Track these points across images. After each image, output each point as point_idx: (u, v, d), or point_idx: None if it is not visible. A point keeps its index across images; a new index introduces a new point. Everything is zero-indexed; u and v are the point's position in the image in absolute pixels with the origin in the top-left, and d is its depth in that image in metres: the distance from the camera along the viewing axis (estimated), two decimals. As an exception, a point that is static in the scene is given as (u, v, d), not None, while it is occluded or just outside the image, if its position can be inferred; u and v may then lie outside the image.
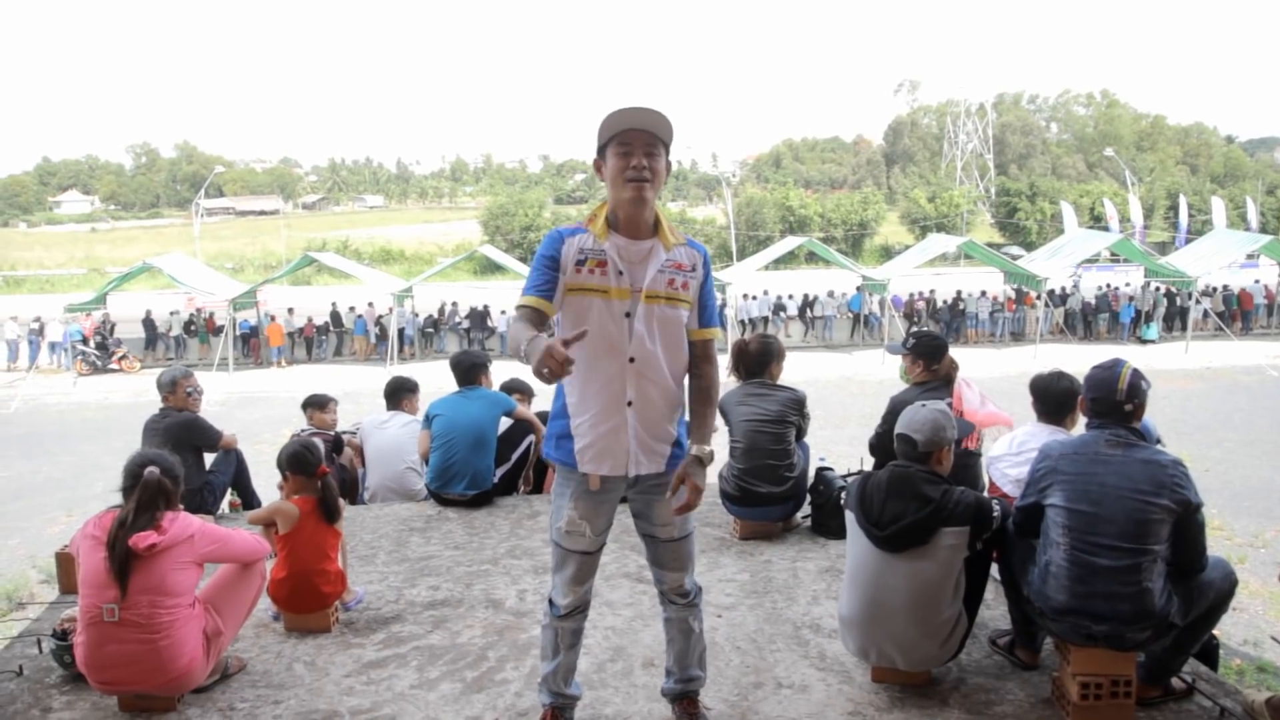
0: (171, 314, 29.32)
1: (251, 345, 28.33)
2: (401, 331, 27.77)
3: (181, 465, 3.60)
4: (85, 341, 26.89)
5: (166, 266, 26.68)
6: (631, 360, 2.88)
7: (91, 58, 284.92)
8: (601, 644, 3.96)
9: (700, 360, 3.06)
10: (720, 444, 5.59)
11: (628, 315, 2.88)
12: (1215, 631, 4.19)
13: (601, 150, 2.90)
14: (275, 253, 65.00)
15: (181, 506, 3.58)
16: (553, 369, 2.39)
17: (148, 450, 3.57)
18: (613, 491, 3.03)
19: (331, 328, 29.35)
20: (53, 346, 27.84)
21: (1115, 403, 3.27)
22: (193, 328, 29.09)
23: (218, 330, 27.63)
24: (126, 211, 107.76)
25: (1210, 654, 3.95)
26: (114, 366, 26.64)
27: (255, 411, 19.33)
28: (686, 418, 3.05)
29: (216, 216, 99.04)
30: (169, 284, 29.42)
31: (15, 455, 16.22)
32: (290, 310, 29.39)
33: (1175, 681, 3.42)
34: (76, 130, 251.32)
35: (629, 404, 2.90)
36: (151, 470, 3.39)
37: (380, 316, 28.54)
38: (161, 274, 27.59)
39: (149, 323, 28.61)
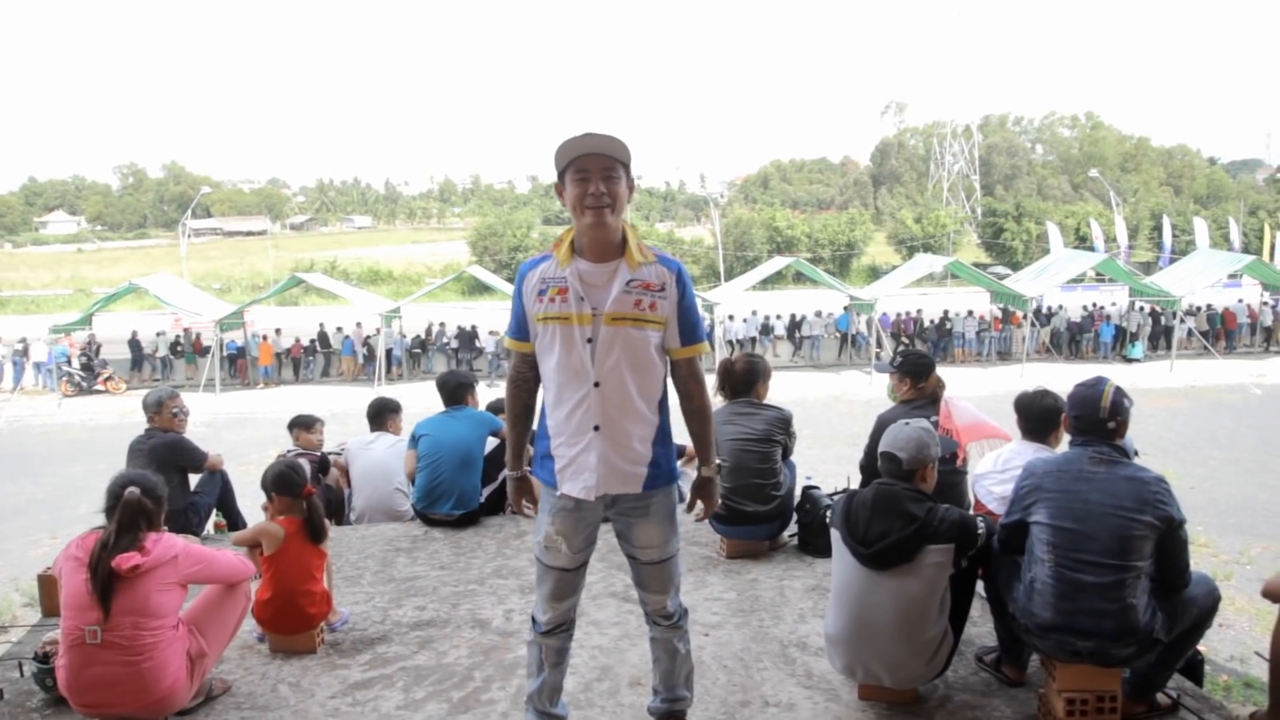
0: (158, 334, 29.21)
1: (239, 366, 28.23)
2: (389, 352, 27.74)
3: (164, 485, 3.58)
4: (70, 362, 26.77)
5: (153, 287, 26.59)
6: (596, 385, 2.91)
7: (78, 78, 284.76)
8: (588, 663, 3.95)
9: (687, 379, 3.07)
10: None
11: (589, 340, 2.90)
12: (1200, 647, 4.21)
13: (561, 177, 2.93)
14: (263, 273, 64.93)
15: (165, 527, 3.57)
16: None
17: (129, 471, 3.55)
18: (590, 511, 3.04)
19: (319, 348, 29.26)
20: (37, 367, 27.69)
21: (1098, 420, 3.30)
22: (179, 348, 28.97)
23: (204, 351, 27.52)
24: (113, 232, 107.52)
25: (1195, 669, 3.96)
26: (99, 387, 26.51)
27: (242, 432, 19.24)
28: (679, 436, 3.10)
29: (204, 237, 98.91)
30: (155, 305, 29.29)
31: (0, 477, 16.10)
32: (278, 331, 29.29)
33: (1160, 697, 3.43)
34: (63, 150, 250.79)
35: (595, 428, 2.93)
36: (132, 490, 3.37)
37: (368, 337, 28.49)
38: (148, 294, 27.48)
39: (135, 343, 28.48)
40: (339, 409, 20.59)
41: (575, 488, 2.97)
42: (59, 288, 62.45)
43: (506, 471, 3.20)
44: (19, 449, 18.94)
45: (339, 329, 29.19)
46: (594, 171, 2.83)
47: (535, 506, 3.14)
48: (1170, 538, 3.14)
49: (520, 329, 3.05)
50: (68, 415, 23.32)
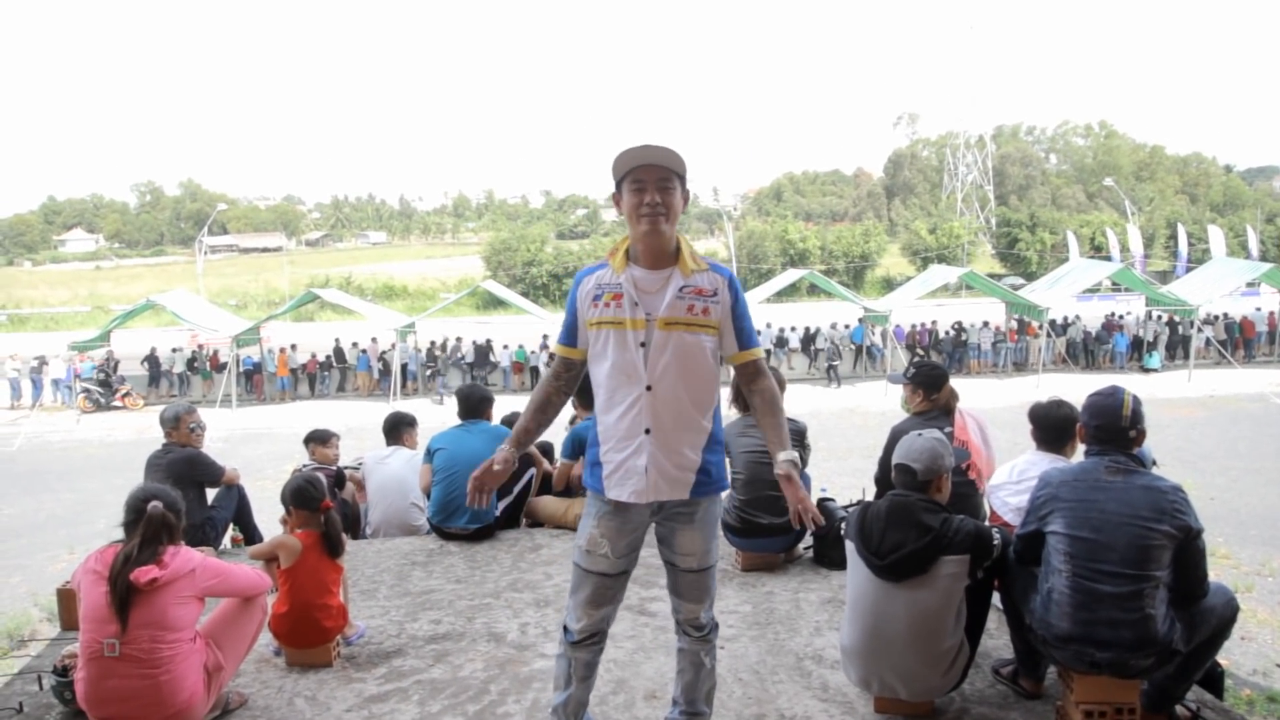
0: (174, 351, 29.41)
1: (255, 381, 28.37)
2: (404, 367, 27.83)
3: (183, 500, 3.61)
4: (100, 375, 27.00)
5: (170, 304, 26.80)
6: (649, 388, 2.94)
7: (97, 97, 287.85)
8: (604, 676, 3.94)
9: (751, 378, 3.12)
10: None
11: (643, 345, 2.94)
12: (1222, 660, 4.18)
13: (618, 186, 2.99)
14: (278, 289, 65.33)
15: (183, 541, 3.59)
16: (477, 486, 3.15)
17: (150, 485, 3.58)
18: (637, 516, 3.05)
19: (334, 364, 29.39)
20: (56, 384, 27.91)
21: (1120, 429, 3.29)
22: (196, 364, 29.15)
23: (221, 367, 27.68)
24: (131, 249, 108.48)
25: (1215, 681, 3.93)
26: (117, 404, 26.69)
27: (259, 448, 19.33)
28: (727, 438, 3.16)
29: (220, 254, 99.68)
30: (173, 321, 29.53)
31: (18, 493, 16.22)
32: (294, 346, 29.43)
33: (1180, 709, 3.40)
34: (82, 169, 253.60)
35: (646, 431, 2.95)
36: (155, 505, 3.40)
37: (383, 352, 28.59)
38: (165, 311, 27.69)
39: (153, 360, 28.67)
40: (355, 424, 20.66)
41: (624, 492, 2.99)
42: (77, 305, 62.95)
43: (501, 446, 3.18)
44: (38, 465, 19.09)
45: (354, 344, 29.32)
46: (650, 182, 2.89)
47: (485, 495, 3.18)
48: (1188, 547, 3.12)
49: (570, 335, 3.13)
50: (86, 431, 23.49)
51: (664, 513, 3.06)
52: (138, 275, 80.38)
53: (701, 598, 3.13)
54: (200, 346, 29.90)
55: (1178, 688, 3.33)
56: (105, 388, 26.96)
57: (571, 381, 3.19)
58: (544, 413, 3.23)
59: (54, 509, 14.71)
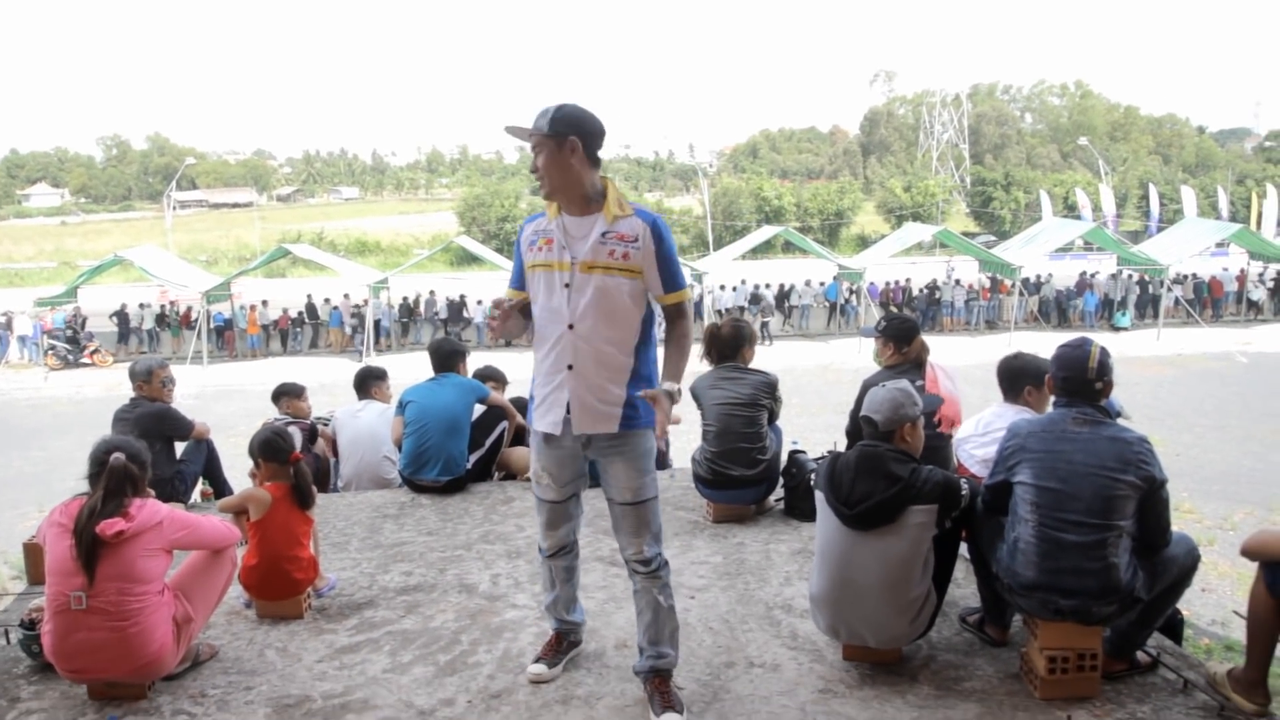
0: (142, 307, 29.01)
1: (226, 338, 28.14)
2: (378, 323, 27.68)
3: (148, 451, 3.56)
4: (68, 331, 26.66)
5: (138, 259, 26.44)
6: (570, 327, 3.15)
7: (60, 47, 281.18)
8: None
9: (674, 319, 3.27)
10: (693, 427, 5.64)
11: (566, 285, 3.15)
12: (1183, 612, 4.27)
13: None
14: (249, 245, 64.56)
15: (152, 493, 3.55)
16: (498, 317, 3.25)
17: (113, 437, 3.53)
18: (569, 448, 3.28)
19: (307, 320, 29.17)
20: (22, 340, 27.54)
21: (1086, 381, 3.31)
22: (166, 321, 28.83)
23: (192, 324, 27.39)
24: (97, 204, 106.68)
25: (1175, 628, 4.00)
26: (85, 360, 26.39)
27: (230, 404, 19.20)
28: (658, 373, 3.26)
29: (189, 209, 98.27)
30: (141, 277, 29.13)
31: (-14, 450, 16.06)
32: (264, 302, 29.14)
33: (1140, 655, 3.46)
34: (45, 122, 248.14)
35: (569, 368, 3.16)
36: (117, 456, 3.36)
37: (356, 308, 28.40)
38: (134, 267, 27.31)
39: (122, 316, 28.33)
40: (328, 380, 20.57)
41: (545, 424, 3.25)
42: (43, 260, 61.99)
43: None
44: (6, 423, 18.89)
45: (327, 300, 29.10)
46: (534, 151, 3.14)
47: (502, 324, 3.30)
48: (1152, 497, 3.16)
49: (518, 279, 3.36)
50: (54, 389, 23.24)
51: (594, 447, 3.24)
52: (105, 231, 79.14)
53: (640, 531, 3.26)
54: (172, 303, 29.53)
55: (1139, 634, 3.39)
56: (73, 345, 26.63)
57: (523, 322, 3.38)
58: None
59: (23, 467, 14.58)
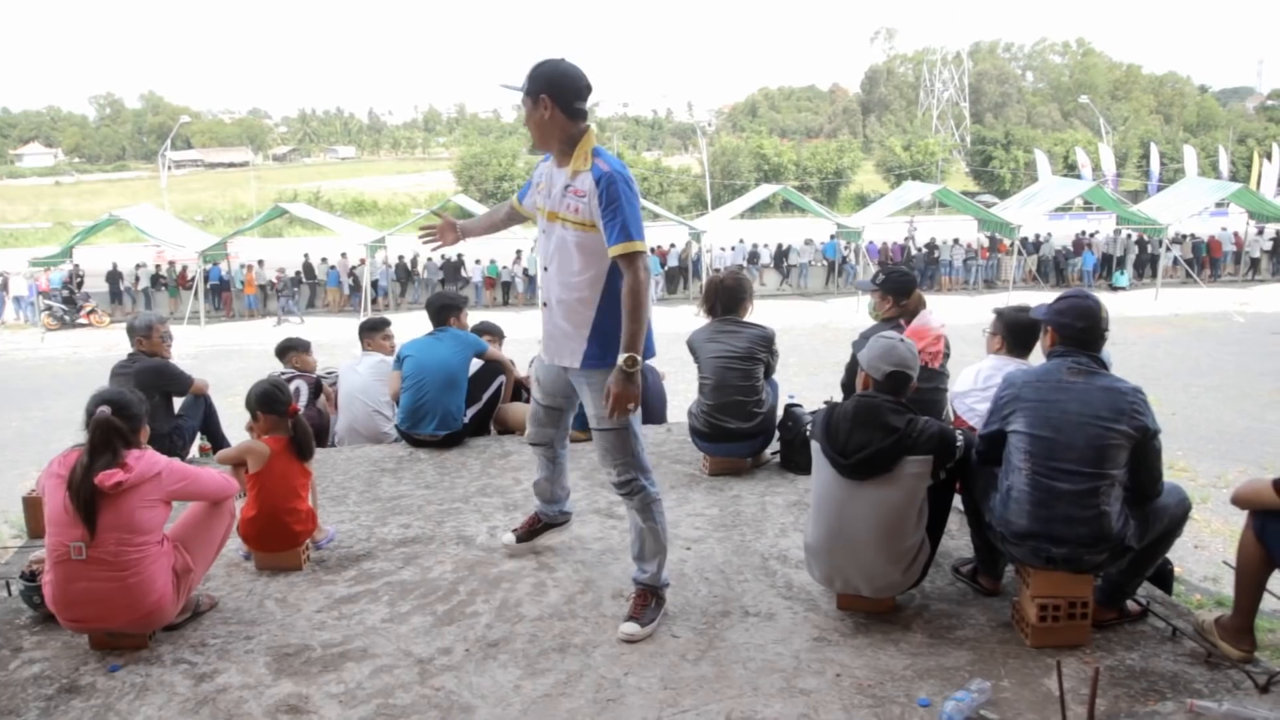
0: (138, 267, 28.85)
1: (223, 298, 28.06)
2: (375, 283, 27.61)
3: (142, 403, 3.55)
4: (65, 292, 26.59)
5: (134, 219, 26.32)
6: (545, 269, 3.55)
7: (52, 4, 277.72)
8: (571, 577, 4.00)
9: (622, 274, 3.34)
10: (689, 381, 5.65)
11: (544, 232, 3.54)
12: (1174, 563, 4.30)
13: None
14: (245, 205, 64.24)
15: (148, 447, 3.57)
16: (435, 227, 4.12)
17: (106, 389, 3.53)
18: (552, 368, 3.70)
19: (304, 279, 29.08)
20: (18, 301, 27.46)
21: (1101, 331, 3.35)
22: (162, 281, 28.72)
23: (189, 284, 27.28)
24: (91, 164, 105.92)
25: (1165, 578, 4.05)
26: (82, 321, 26.34)
27: (229, 364, 19.20)
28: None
29: (185, 169, 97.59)
30: (137, 237, 29.01)
31: (-16, 410, 16.09)
32: (260, 262, 29.02)
33: (1130, 604, 3.49)
34: (37, 81, 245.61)
35: (544, 304, 3.60)
36: (103, 410, 3.36)
37: (353, 268, 28.31)
38: (129, 227, 27.18)
39: (114, 276, 28.18)
40: (325, 340, 20.50)
41: (541, 349, 3.69)
42: (38, 221, 61.64)
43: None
44: (4, 383, 18.91)
45: (324, 260, 28.97)
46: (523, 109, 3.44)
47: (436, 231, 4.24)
48: (1145, 447, 3.18)
49: (523, 192, 3.85)
50: (51, 349, 23.25)
51: (569, 374, 3.61)
52: (99, 191, 78.62)
53: (611, 457, 3.52)
54: (169, 263, 29.39)
55: (1129, 583, 3.42)
56: (70, 305, 26.57)
57: (511, 220, 4.08)
58: (491, 223, 4.21)
59: (22, 427, 14.62)
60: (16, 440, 13.66)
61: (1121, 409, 3.15)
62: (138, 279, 28.44)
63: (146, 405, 3.59)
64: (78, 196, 74.72)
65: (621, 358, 3.25)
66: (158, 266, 29.42)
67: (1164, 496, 3.31)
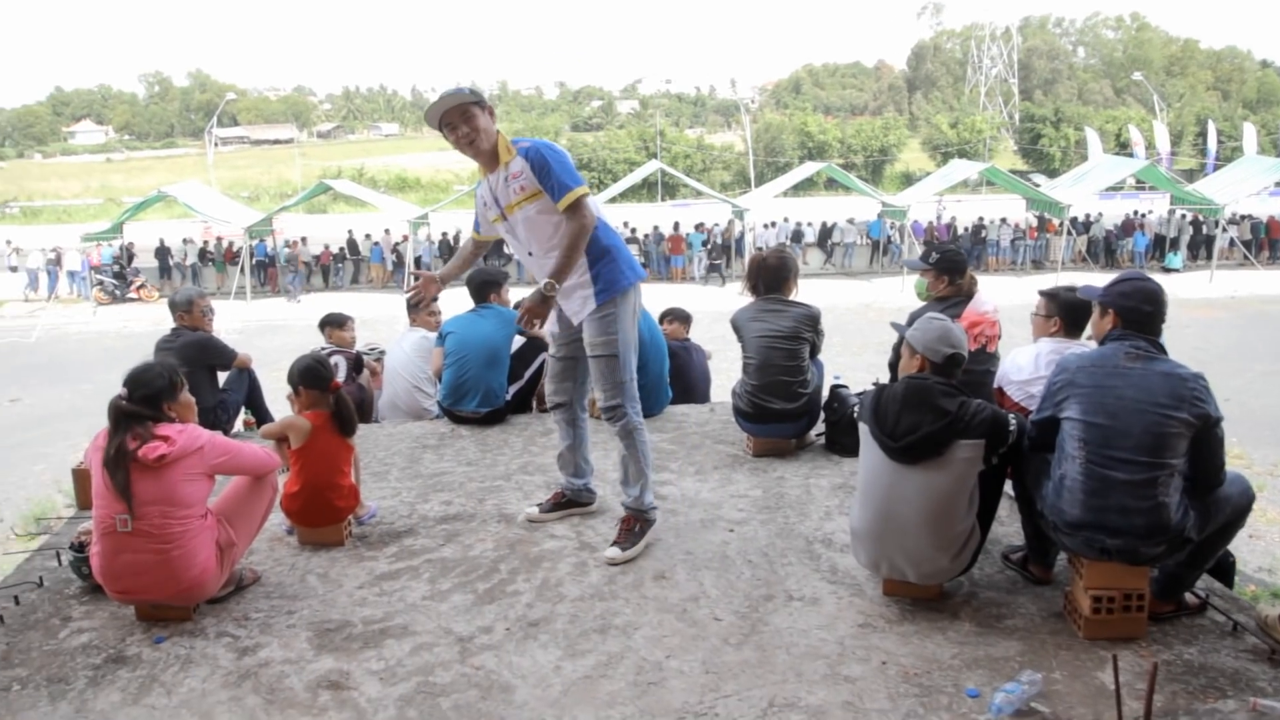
0: (185, 242, 29.21)
1: (269, 274, 28.35)
2: (418, 259, 27.73)
3: (166, 375, 3.48)
4: (115, 267, 27.04)
5: (181, 195, 26.60)
6: (530, 254, 3.97)
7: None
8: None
9: (570, 219, 3.80)
10: (734, 360, 5.58)
11: (509, 231, 3.98)
12: (1232, 550, 4.17)
13: (441, 131, 3.85)
14: (290, 182, 64.86)
15: (192, 415, 3.58)
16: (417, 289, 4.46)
17: (134, 368, 3.52)
18: (564, 324, 4.08)
19: (348, 255, 29.30)
20: (71, 276, 27.94)
21: (1165, 315, 3.25)
22: (209, 256, 29.06)
23: (235, 259, 27.59)
24: (141, 141, 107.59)
25: (1225, 570, 3.93)
26: (132, 295, 26.76)
27: (274, 339, 19.39)
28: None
29: (231, 146, 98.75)
30: (185, 213, 29.34)
31: (38, 383, 16.41)
32: (303, 240, 29.26)
33: (1189, 597, 3.38)
34: (89, 59, 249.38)
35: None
36: (114, 398, 3.40)
37: (396, 244, 28.47)
38: (177, 203, 27.51)
39: (163, 251, 28.59)
40: (369, 315, 20.71)
41: (550, 326, 4.12)
42: (89, 197, 62.70)
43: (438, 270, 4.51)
44: (57, 356, 19.27)
45: (367, 236, 29.16)
46: (456, 120, 3.78)
47: (420, 288, 4.48)
48: (1206, 435, 3.06)
49: (476, 224, 4.29)
50: (102, 323, 23.64)
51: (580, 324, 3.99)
52: (148, 167, 79.82)
53: (598, 381, 3.97)
54: (217, 239, 29.74)
55: (1188, 575, 3.31)
56: (120, 280, 27.00)
57: (478, 251, 4.52)
58: (462, 262, 4.54)
59: (73, 399, 14.87)
60: (69, 412, 13.89)
61: (1182, 395, 3.03)
62: (185, 254, 28.81)
63: (178, 374, 3.56)
64: (127, 173, 75.92)
65: (543, 282, 3.74)
66: (205, 242, 29.77)
67: (1226, 486, 3.18)
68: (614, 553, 3.91)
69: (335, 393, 4.23)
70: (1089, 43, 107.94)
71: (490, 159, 3.86)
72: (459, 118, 3.75)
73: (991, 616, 3.40)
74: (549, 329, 4.15)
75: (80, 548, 3.74)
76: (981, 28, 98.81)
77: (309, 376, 4.21)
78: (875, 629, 3.34)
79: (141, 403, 3.42)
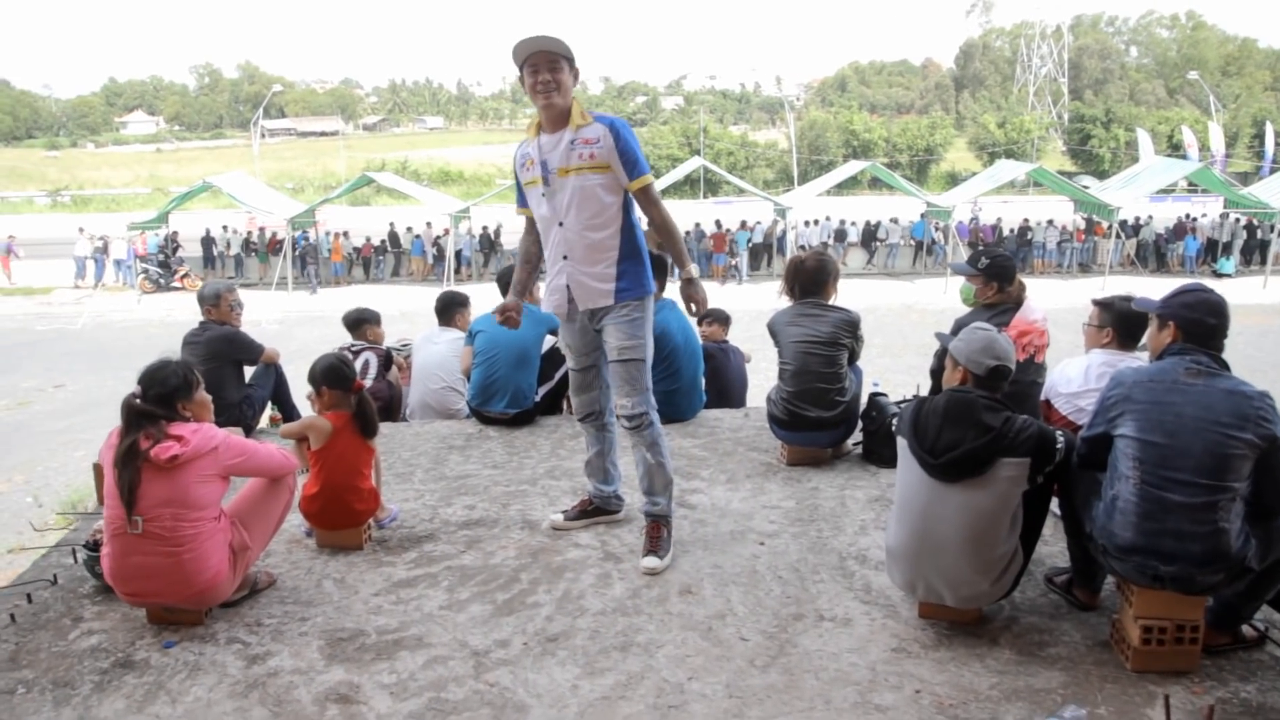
0: (228, 231, 29.48)
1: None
2: (459, 253, 27.78)
3: (181, 373, 3.40)
4: (160, 256, 27.38)
5: (226, 185, 26.87)
6: (560, 225, 3.78)
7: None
8: (639, 568, 3.82)
9: (645, 206, 3.84)
10: (769, 365, 5.42)
11: (544, 195, 3.77)
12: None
13: (521, 72, 3.68)
14: (335, 173, 65.46)
15: (207, 418, 3.49)
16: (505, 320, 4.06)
17: (150, 363, 3.44)
18: (580, 323, 3.93)
19: (389, 248, 29.42)
20: (118, 264, 28.31)
21: (1227, 329, 3.07)
22: (252, 246, 29.32)
23: (277, 249, 27.80)
24: (190, 132, 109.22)
25: (1287, 600, 3.70)
26: (176, 284, 27.05)
27: (314, 330, 19.45)
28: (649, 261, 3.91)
29: (278, 137, 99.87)
30: (230, 203, 29.63)
31: (83, 369, 16.59)
32: (345, 233, 29.44)
33: (1246, 629, 3.18)
34: (142, 51, 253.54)
35: (565, 258, 3.81)
36: (127, 396, 3.34)
37: (438, 237, 28.53)
38: (222, 193, 27.77)
39: (207, 241, 28.89)
40: (409, 308, 20.77)
41: (550, 305, 3.94)
42: (138, 186, 63.67)
43: (507, 296, 4.16)
44: (101, 343, 19.49)
45: (409, 229, 29.25)
46: (541, 64, 3.60)
47: (511, 321, 4.06)
48: (1272, 457, 2.85)
49: (521, 198, 4.00)
50: (146, 311, 23.90)
51: (597, 319, 3.86)
52: (196, 158, 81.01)
53: (622, 387, 3.83)
54: (260, 229, 30.00)
55: (1246, 606, 3.10)
56: (165, 269, 27.31)
57: (538, 234, 4.02)
58: (531, 262, 4.13)
59: (116, 386, 14.98)
60: (111, 399, 13.91)
61: (1246, 414, 2.83)
62: (229, 244, 29.09)
63: (194, 373, 3.48)
64: (176, 163, 77.10)
65: (683, 274, 3.79)
66: (249, 233, 30.04)
67: (1291, 512, 2.98)
68: (654, 562, 3.80)
69: (358, 393, 4.13)
70: (1142, 42, 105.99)
71: (558, 119, 3.70)
72: (545, 63, 3.60)
73: (1033, 644, 3.22)
74: (563, 341, 4.08)
75: (95, 546, 3.66)
76: (1031, 26, 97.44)
77: (331, 376, 4.11)
78: (909, 654, 3.17)
79: (155, 401, 3.34)
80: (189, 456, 3.21)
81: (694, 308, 3.87)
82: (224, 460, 3.33)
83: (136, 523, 3.18)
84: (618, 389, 3.85)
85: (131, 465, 3.18)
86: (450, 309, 6.64)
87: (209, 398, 3.57)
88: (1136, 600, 3.00)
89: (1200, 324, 3.06)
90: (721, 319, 6.88)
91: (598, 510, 4.28)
